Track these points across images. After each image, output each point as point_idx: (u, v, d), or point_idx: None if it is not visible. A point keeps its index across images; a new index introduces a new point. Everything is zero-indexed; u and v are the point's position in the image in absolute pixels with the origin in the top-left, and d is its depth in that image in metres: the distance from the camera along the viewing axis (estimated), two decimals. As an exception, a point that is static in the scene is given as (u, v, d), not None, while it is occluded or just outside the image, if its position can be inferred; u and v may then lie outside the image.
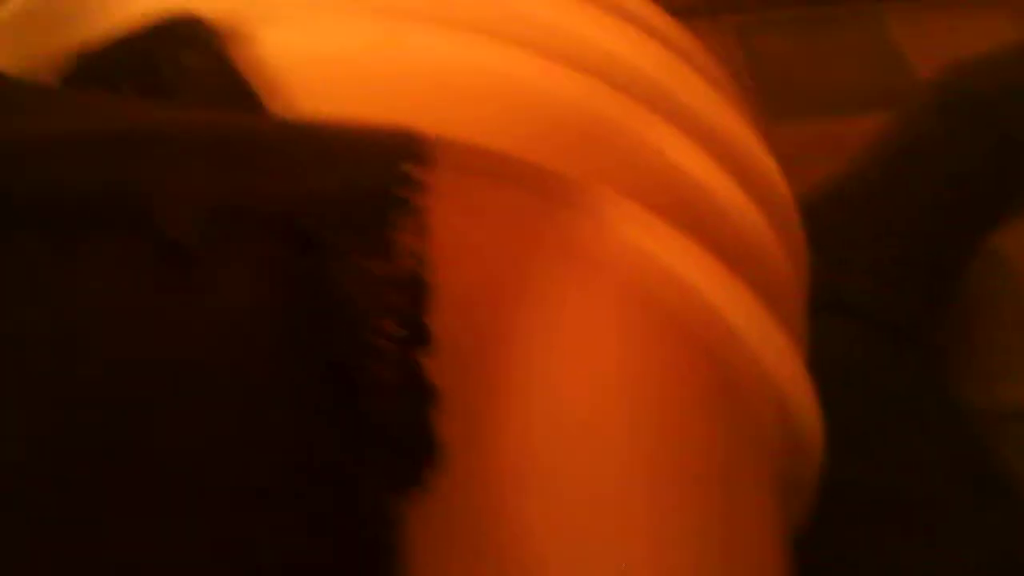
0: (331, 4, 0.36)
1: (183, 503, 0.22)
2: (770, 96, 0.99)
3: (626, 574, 0.29)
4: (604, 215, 0.34)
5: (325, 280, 0.25)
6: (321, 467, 0.23)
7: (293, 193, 0.25)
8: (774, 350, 0.38)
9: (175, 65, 0.30)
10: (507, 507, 0.27)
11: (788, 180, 0.95)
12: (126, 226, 0.24)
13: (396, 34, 0.35)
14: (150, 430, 0.22)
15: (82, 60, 0.32)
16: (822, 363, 0.48)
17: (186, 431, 0.22)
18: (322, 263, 0.25)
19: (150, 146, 0.26)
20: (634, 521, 0.30)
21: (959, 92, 0.82)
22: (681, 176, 0.38)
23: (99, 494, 0.21)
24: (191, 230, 0.24)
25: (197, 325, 0.23)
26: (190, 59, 0.31)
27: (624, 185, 0.35)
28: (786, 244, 0.42)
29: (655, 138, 0.37)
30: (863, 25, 1.05)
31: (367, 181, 0.26)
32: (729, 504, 0.35)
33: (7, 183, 0.23)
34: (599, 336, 0.32)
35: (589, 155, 0.36)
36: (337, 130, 0.27)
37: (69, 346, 0.22)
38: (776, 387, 0.39)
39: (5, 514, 0.20)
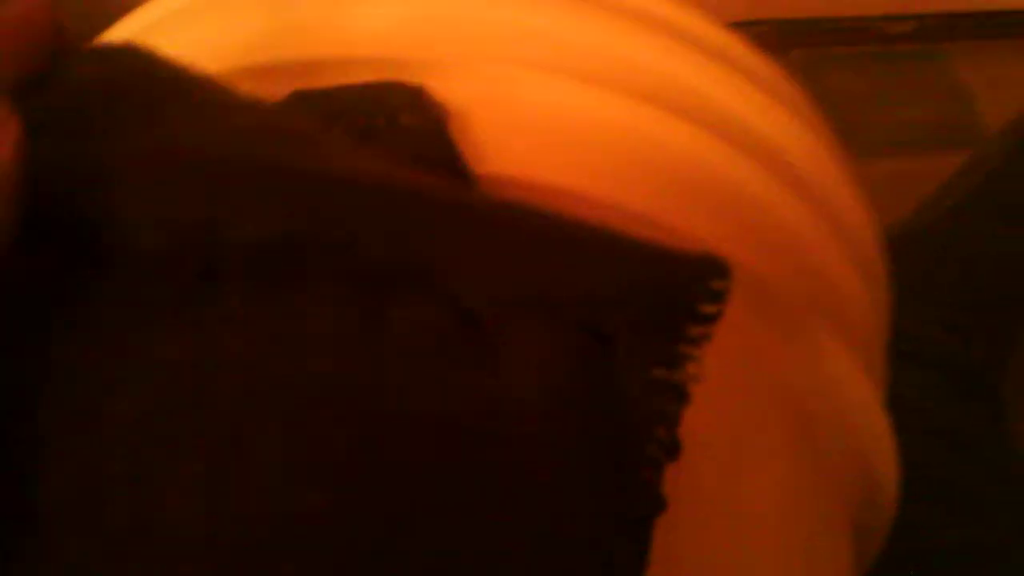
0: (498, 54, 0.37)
1: (485, 545, 0.23)
2: (837, 133, 0.99)
3: None
4: (793, 333, 0.36)
5: (611, 378, 0.25)
6: (594, 549, 0.24)
7: (589, 286, 0.26)
8: (870, 417, 0.39)
9: (392, 123, 0.31)
10: None
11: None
12: (424, 291, 0.25)
13: (560, 92, 0.36)
14: (449, 490, 0.23)
15: (297, 96, 0.32)
16: (900, 410, 0.48)
17: (481, 496, 0.23)
18: (612, 361, 0.25)
19: (439, 214, 0.27)
20: None
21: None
22: (791, 239, 0.38)
23: (404, 546, 0.23)
24: (490, 305, 0.25)
25: (494, 395, 0.24)
26: (409, 120, 0.31)
27: (735, 241, 0.36)
28: (871, 290, 0.43)
29: (762, 192, 0.38)
30: (931, 64, 1.05)
31: (674, 293, 0.26)
32: (815, 555, 0.36)
33: (311, 231, 0.25)
34: (778, 465, 0.34)
35: (714, 216, 0.37)
36: (627, 234, 0.28)
37: (374, 400, 0.23)
38: (859, 437, 0.40)
39: (315, 561, 0.22)
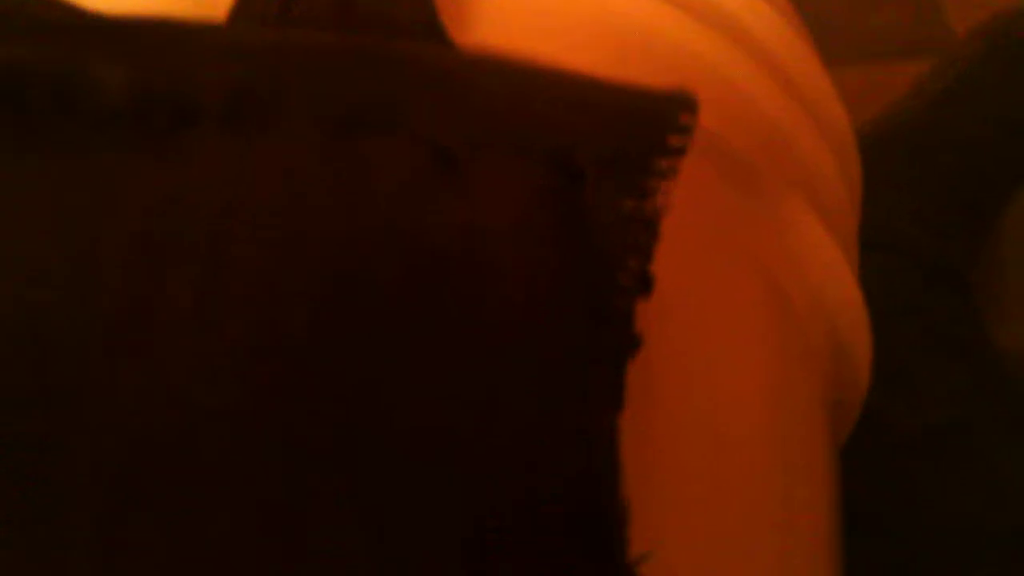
0: None
1: (466, 371, 0.24)
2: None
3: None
4: (764, 200, 0.37)
5: (582, 210, 0.26)
6: (570, 376, 0.25)
7: (559, 123, 0.27)
8: (841, 285, 0.40)
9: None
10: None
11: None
12: (398, 131, 0.26)
13: None
14: (426, 311, 0.24)
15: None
16: (868, 299, 0.49)
17: (464, 312, 0.24)
18: (582, 195, 0.26)
19: (406, 65, 0.27)
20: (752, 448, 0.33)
21: (1009, 39, 0.83)
22: (761, 113, 0.39)
23: (397, 351, 0.23)
24: (463, 142, 0.26)
25: (468, 224, 0.25)
26: None
27: (716, 122, 0.37)
28: (844, 169, 0.44)
29: (746, 80, 0.39)
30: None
31: (642, 128, 0.27)
32: (792, 422, 0.37)
33: (278, 78, 0.25)
34: (745, 328, 0.35)
35: (721, 110, 0.38)
36: (596, 77, 0.29)
37: (351, 233, 0.24)
38: (832, 308, 0.41)
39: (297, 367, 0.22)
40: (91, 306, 0.24)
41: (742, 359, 0.35)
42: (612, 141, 0.27)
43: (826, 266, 0.40)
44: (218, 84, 0.26)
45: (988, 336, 0.72)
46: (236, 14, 0.31)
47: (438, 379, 0.24)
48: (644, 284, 0.27)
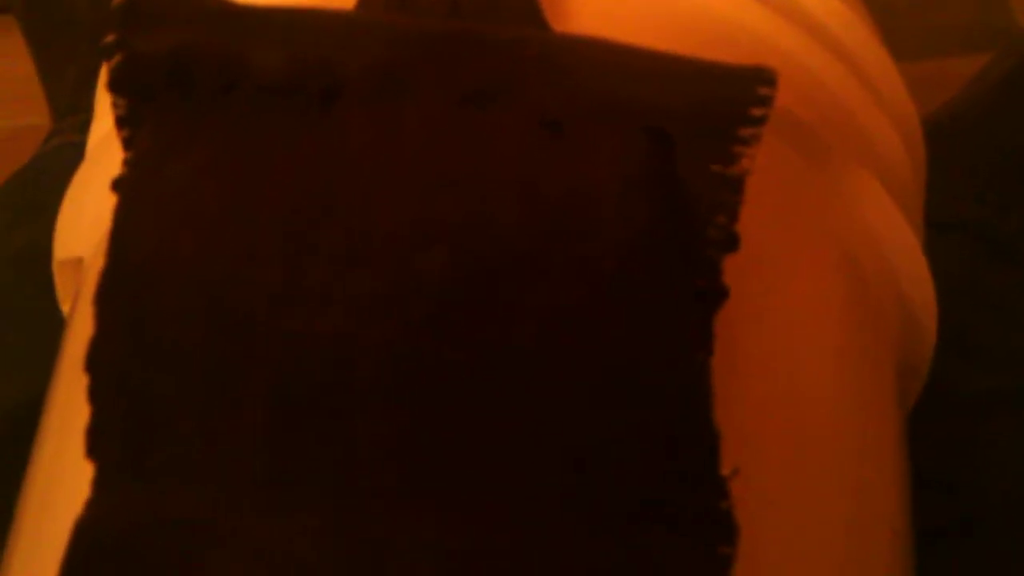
0: None
1: (577, 308, 0.28)
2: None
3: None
4: (838, 175, 0.40)
5: (676, 173, 0.30)
6: (670, 323, 0.29)
7: (654, 94, 0.31)
8: (910, 256, 0.43)
9: None
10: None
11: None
12: (512, 106, 0.30)
13: None
14: (544, 253, 0.28)
15: None
16: (932, 274, 0.52)
17: (576, 255, 0.28)
18: (675, 159, 0.30)
19: (516, 48, 0.31)
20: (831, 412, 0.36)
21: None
22: (832, 95, 0.42)
23: (520, 288, 0.28)
24: (569, 115, 0.30)
25: (577, 182, 0.29)
26: None
27: (790, 101, 0.40)
28: (911, 152, 0.47)
29: (819, 66, 0.42)
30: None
31: (727, 99, 0.31)
32: (865, 384, 0.40)
33: (412, 61, 0.30)
34: (822, 297, 0.39)
35: (789, 86, 0.41)
36: (684, 56, 0.33)
37: (481, 187, 0.29)
38: (900, 277, 0.44)
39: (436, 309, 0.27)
40: (259, 262, 0.28)
41: (816, 319, 0.38)
42: (700, 111, 0.31)
43: (894, 237, 0.43)
44: (360, 64, 0.30)
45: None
46: (362, 4, 0.36)
47: (554, 315, 0.28)
48: (731, 239, 0.31)
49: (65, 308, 0.45)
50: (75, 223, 0.41)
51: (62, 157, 0.71)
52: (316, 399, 0.27)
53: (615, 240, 0.29)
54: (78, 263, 0.42)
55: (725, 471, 0.28)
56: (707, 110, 0.31)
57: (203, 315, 0.27)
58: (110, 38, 0.29)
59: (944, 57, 1.01)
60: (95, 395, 0.27)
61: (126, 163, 0.30)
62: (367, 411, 0.26)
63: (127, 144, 0.30)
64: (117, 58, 0.29)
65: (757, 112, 0.31)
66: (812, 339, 0.38)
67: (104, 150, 0.38)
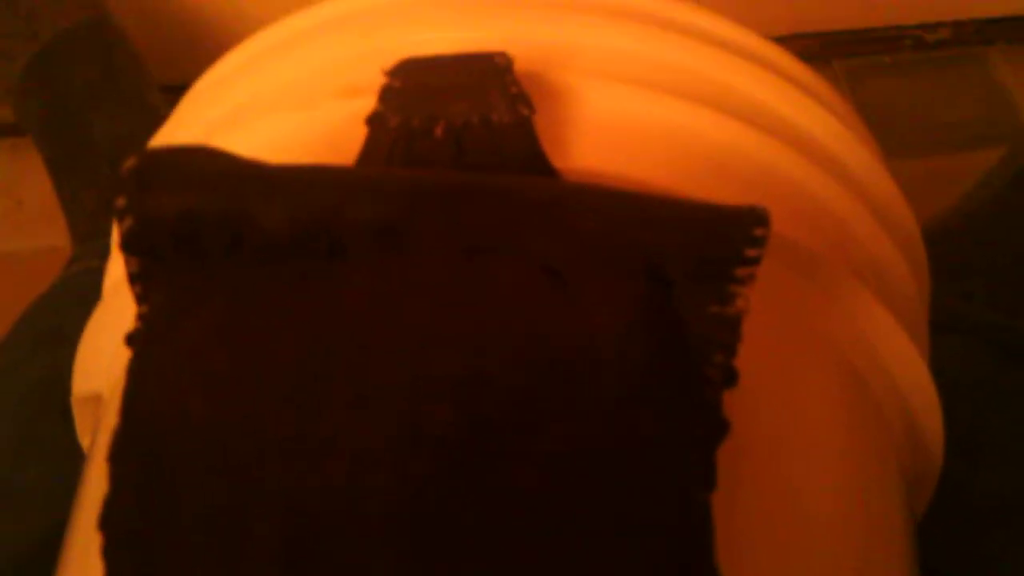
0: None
1: (578, 453, 0.28)
2: (881, 137, 1.03)
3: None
4: (836, 292, 0.40)
5: (675, 315, 0.31)
6: (670, 464, 0.29)
7: (651, 239, 0.32)
8: (902, 357, 0.44)
9: (486, 121, 0.36)
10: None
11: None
12: (515, 255, 0.31)
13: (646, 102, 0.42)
14: (545, 413, 0.29)
15: (404, 67, 0.38)
16: (943, 378, 0.53)
17: (578, 403, 0.29)
18: (674, 301, 0.31)
19: (516, 196, 0.32)
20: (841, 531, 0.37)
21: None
22: (829, 214, 0.43)
23: (523, 440, 0.28)
24: (569, 262, 0.31)
25: (577, 330, 0.30)
26: (499, 118, 0.37)
27: (789, 225, 0.40)
28: (911, 265, 0.47)
29: (815, 187, 0.43)
30: (969, 68, 1.09)
31: (722, 241, 0.31)
32: (871, 498, 0.40)
33: (418, 214, 0.31)
34: (824, 410, 0.39)
35: (794, 215, 0.42)
36: (680, 198, 0.33)
37: (483, 340, 0.29)
38: (903, 390, 0.45)
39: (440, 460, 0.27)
40: (267, 421, 0.29)
41: (822, 438, 0.39)
42: (697, 254, 0.32)
43: (896, 350, 0.43)
44: (361, 220, 0.31)
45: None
46: (365, 154, 0.37)
47: (555, 462, 0.29)
48: (730, 376, 0.31)
49: (85, 442, 0.45)
50: (93, 361, 0.43)
51: (82, 283, 0.73)
52: (326, 552, 0.27)
53: (614, 385, 0.29)
54: (97, 399, 0.43)
55: None
56: (703, 253, 0.32)
57: (214, 474, 0.28)
58: (120, 201, 0.31)
59: (952, 153, 1.03)
60: (108, 554, 0.27)
61: (139, 318, 0.31)
62: (376, 561, 0.27)
63: (140, 299, 0.31)
64: (128, 221, 0.31)
65: (752, 253, 0.32)
66: (816, 456, 0.38)
67: (118, 294, 0.39)
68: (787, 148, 0.44)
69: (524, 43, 0.42)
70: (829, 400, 0.40)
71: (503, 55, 0.39)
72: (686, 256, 0.31)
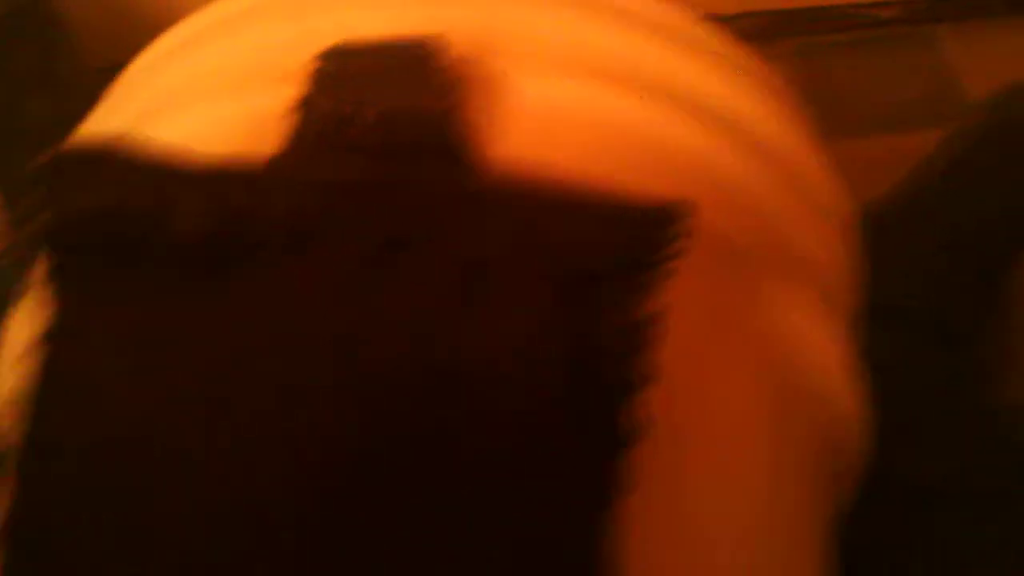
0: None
1: (482, 470, 0.29)
2: (827, 115, 1.04)
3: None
4: (764, 286, 0.41)
5: (595, 312, 0.31)
6: (578, 463, 0.29)
7: (574, 238, 0.32)
8: (833, 361, 0.44)
9: (415, 106, 0.36)
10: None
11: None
12: (431, 251, 0.31)
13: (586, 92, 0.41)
14: (443, 423, 0.29)
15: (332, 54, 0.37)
16: (874, 362, 0.53)
17: (472, 430, 0.29)
18: (591, 300, 0.31)
19: (438, 191, 0.32)
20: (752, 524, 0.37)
21: (1009, 118, 0.87)
22: (759, 205, 0.43)
23: (423, 457, 0.28)
24: (488, 257, 0.31)
25: (487, 338, 0.30)
26: (428, 102, 0.36)
27: (715, 216, 0.41)
28: (846, 253, 0.48)
29: (748, 177, 0.43)
30: (919, 46, 1.10)
31: (642, 237, 0.32)
32: (791, 493, 0.41)
33: (337, 218, 0.31)
34: (748, 406, 0.40)
35: (727, 210, 0.42)
36: (603, 191, 0.33)
37: (387, 346, 0.29)
38: (827, 383, 0.45)
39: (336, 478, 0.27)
40: (172, 428, 0.29)
41: (743, 433, 0.39)
42: (617, 249, 0.32)
43: (823, 347, 0.43)
44: (275, 220, 0.31)
45: (994, 393, 0.75)
46: (295, 139, 0.37)
47: (456, 473, 0.29)
48: (646, 376, 0.31)
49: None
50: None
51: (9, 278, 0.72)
52: (223, 561, 0.27)
53: (519, 394, 0.29)
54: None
55: None
56: (622, 250, 0.32)
57: (118, 485, 0.28)
58: (37, 197, 0.30)
59: (898, 133, 1.03)
60: (8, 568, 0.27)
61: (50, 318, 0.31)
62: (270, 567, 0.27)
63: (53, 298, 0.31)
64: (45, 217, 0.30)
65: (672, 249, 0.32)
66: (738, 450, 0.39)
67: (29, 300, 0.39)
68: (720, 137, 0.44)
69: (459, 28, 0.42)
70: (751, 395, 0.41)
71: (436, 40, 0.38)
72: (605, 253, 0.32)
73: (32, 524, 0.28)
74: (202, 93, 0.43)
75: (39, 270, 0.38)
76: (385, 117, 0.36)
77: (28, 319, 0.39)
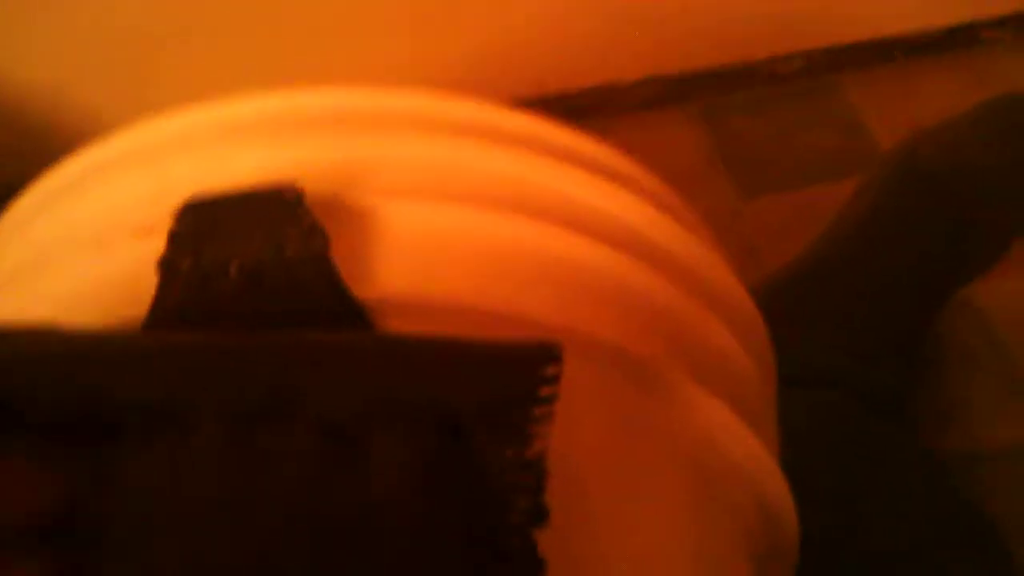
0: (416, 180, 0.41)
1: None
2: (743, 174, 1.04)
3: None
4: (676, 397, 0.40)
5: (469, 464, 0.30)
6: None
7: (439, 389, 0.31)
8: (754, 457, 0.44)
9: (279, 255, 0.35)
10: None
11: (767, 253, 1.00)
12: (292, 417, 0.30)
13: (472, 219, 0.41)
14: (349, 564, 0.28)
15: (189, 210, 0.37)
16: (801, 433, 0.53)
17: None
18: (468, 450, 0.30)
19: (302, 351, 0.31)
20: None
21: (912, 171, 0.87)
22: (686, 324, 0.43)
23: None
24: (355, 417, 0.30)
25: (361, 496, 0.29)
26: (293, 251, 0.35)
27: (605, 325, 0.40)
28: (752, 351, 0.47)
29: (643, 286, 0.43)
30: (823, 97, 1.11)
31: (514, 383, 0.31)
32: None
33: (199, 393, 0.29)
34: (671, 506, 0.39)
35: (634, 322, 0.41)
36: (471, 339, 0.32)
37: (258, 522, 0.28)
38: (749, 478, 0.44)
39: None
40: None
41: (665, 531, 0.39)
42: (489, 398, 0.31)
43: (738, 441, 0.43)
44: (134, 400, 0.30)
45: (930, 452, 0.75)
46: (158, 302, 0.35)
47: None
48: (537, 516, 0.30)
49: None
50: None
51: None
52: None
53: (397, 553, 0.28)
54: None
55: None
56: (498, 398, 0.31)
57: None
58: None
59: (815, 185, 1.03)
60: None
61: None
62: None
63: None
64: None
65: (546, 392, 0.31)
66: (660, 548, 0.38)
67: None
68: (607, 248, 0.43)
69: (322, 164, 0.41)
70: (670, 494, 0.40)
71: (293, 185, 0.37)
72: (477, 400, 0.31)
73: None
74: (70, 249, 0.42)
75: None
76: (248, 271, 0.35)
77: None
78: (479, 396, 0.31)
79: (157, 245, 0.37)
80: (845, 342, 0.76)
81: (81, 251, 0.41)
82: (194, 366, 0.30)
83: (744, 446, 0.43)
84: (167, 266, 0.36)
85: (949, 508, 0.70)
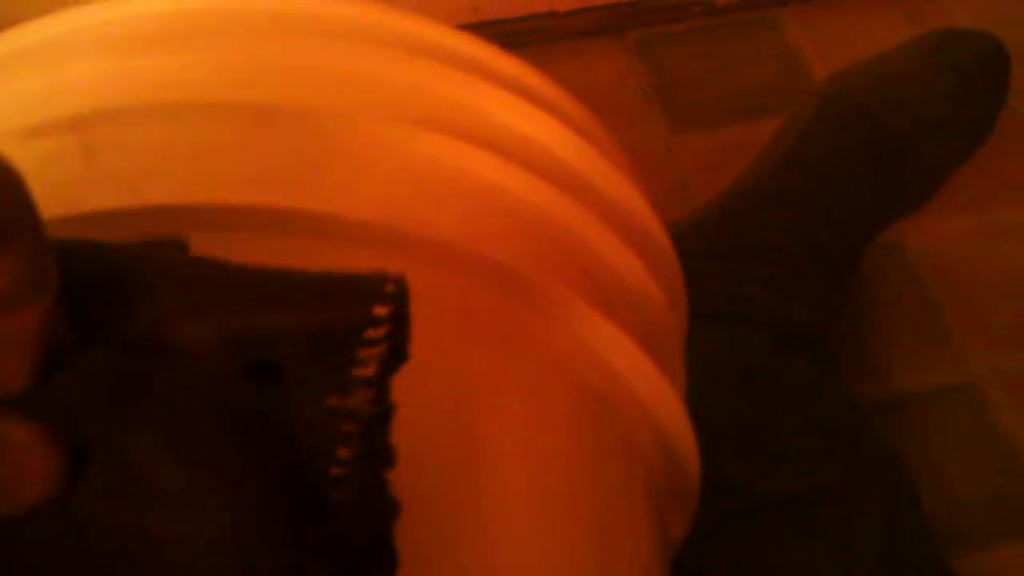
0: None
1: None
2: (677, 108, 1.02)
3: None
4: (558, 313, 0.39)
5: (290, 407, 0.27)
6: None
7: (265, 327, 0.28)
8: (656, 391, 0.42)
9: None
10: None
11: (697, 188, 0.99)
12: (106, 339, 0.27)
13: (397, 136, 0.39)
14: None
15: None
16: (708, 365, 0.52)
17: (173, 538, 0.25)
18: (287, 391, 0.27)
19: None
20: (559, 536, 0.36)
21: (844, 103, 0.86)
22: (597, 257, 0.42)
23: None
24: (161, 343, 0.27)
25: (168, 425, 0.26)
26: None
27: (555, 269, 0.40)
28: (672, 299, 0.46)
29: (579, 225, 0.42)
30: (763, 31, 1.09)
31: (338, 321, 0.28)
32: (610, 510, 0.40)
33: None
34: (564, 429, 0.39)
35: (533, 244, 0.41)
36: (313, 272, 0.29)
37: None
38: (656, 420, 0.43)
39: None
40: None
41: (558, 457, 0.38)
42: (314, 339, 0.28)
43: (642, 376, 0.42)
44: None
45: (846, 392, 0.74)
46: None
47: None
48: (361, 468, 0.28)
49: None
50: None
51: None
52: None
53: (217, 494, 0.26)
54: None
55: None
56: (321, 337, 0.28)
57: None
58: None
59: (748, 121, 1.02)
60: None
61: None
62: None
63: None
64: None
65: (373, 334, 0.28)
66: (553, 469, 0.38)
67: None
68: (516, 167, 0.42)
69: (225, 73, 0.40)
70: (564, 419, 0.40)
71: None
72: (297, 340, 0.28)
73: None
74: None
75: None
76: None
77: None
78: (300, 334, 0.28)
79: (45, 146, 0.36)
80: (764, 275, 0.75)
81: None
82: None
83: (647, 381, 0.42)
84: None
85: (859, 448, 0.69)
